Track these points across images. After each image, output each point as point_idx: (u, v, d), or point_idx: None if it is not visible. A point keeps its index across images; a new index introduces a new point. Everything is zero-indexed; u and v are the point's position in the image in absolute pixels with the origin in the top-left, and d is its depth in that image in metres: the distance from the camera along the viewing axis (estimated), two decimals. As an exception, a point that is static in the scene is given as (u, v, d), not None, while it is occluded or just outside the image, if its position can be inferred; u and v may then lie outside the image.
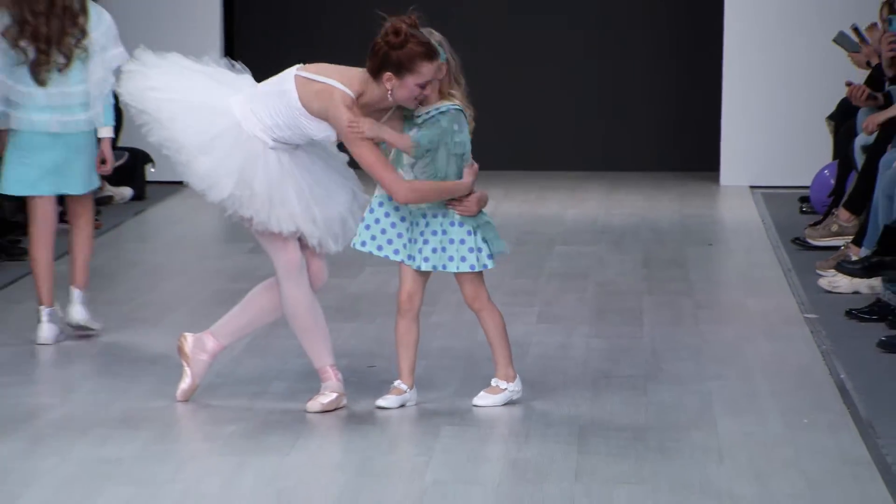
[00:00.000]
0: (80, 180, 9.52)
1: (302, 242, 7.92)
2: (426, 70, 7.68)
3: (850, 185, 12.15)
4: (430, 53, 7.69)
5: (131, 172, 14.20)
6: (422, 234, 7.78)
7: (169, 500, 6.70)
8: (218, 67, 8.02)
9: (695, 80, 16.13)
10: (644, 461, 7.20)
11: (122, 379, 8.64)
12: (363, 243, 7.92)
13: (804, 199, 13.88)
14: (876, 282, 10.37)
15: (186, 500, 6.72)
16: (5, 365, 8.95)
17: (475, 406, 7.89)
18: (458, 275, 7.84)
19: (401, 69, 7.65)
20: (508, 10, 16.92)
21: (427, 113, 7.69)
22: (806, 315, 10.17)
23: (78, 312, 9.54)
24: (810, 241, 12.28)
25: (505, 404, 7.87)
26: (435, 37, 7.73)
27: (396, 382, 7.92)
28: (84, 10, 9.34)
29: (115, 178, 13.98)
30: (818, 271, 11.10)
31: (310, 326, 8.03)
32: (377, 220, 7.91)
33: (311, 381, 8.00)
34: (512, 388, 7.90)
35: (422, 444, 7.53)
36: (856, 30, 12.78)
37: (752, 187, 15.29)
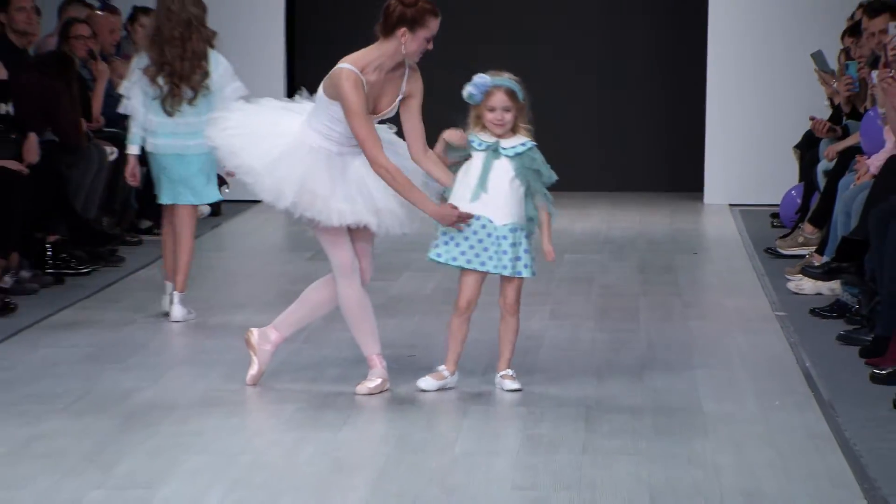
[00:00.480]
0: (197, 193, 9.93)
1: (354, 244, 7.97)
2: (433, 25, 7.80)
3: (813, 204, 12.12)
4: (436, 10, 7.83)
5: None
6: (500, 245, 7.53)
7: (239, 468, 6.73)
8: (301, 100, 8.15)
9: (682, 114, 16.10)
10: (640, 436, 7.23)
11: (201, 366, 8.68)
12: (438, 255, 7.71)
13: (775, 216, 13.85)
14: (835, 284, 10.36)
15: (254, 468, 6.74)
16: (105, 354, 8.96)
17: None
18: (511, 281, 7.69)
19: (413, 24, 7.73)
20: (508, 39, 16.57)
21: (513, 147, 7.49)
22: (776, 313, 10.16)
23: (177, 311, 9.85)
24: (780, 250, 12.27)
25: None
26: (506, 75, 7.60)
27: (440, 368, 7.88)
28: (206, 55, 9.74)
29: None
30: (787, 276, 11.09)
31: (360, 319, 8.02)
32: (452, 237, 7.64)
33: (360, 367, 8.03)
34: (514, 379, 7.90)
35: (452, 422, 7.59)
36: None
37: (731, 205, 15.26)
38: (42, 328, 9.63)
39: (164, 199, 10.07)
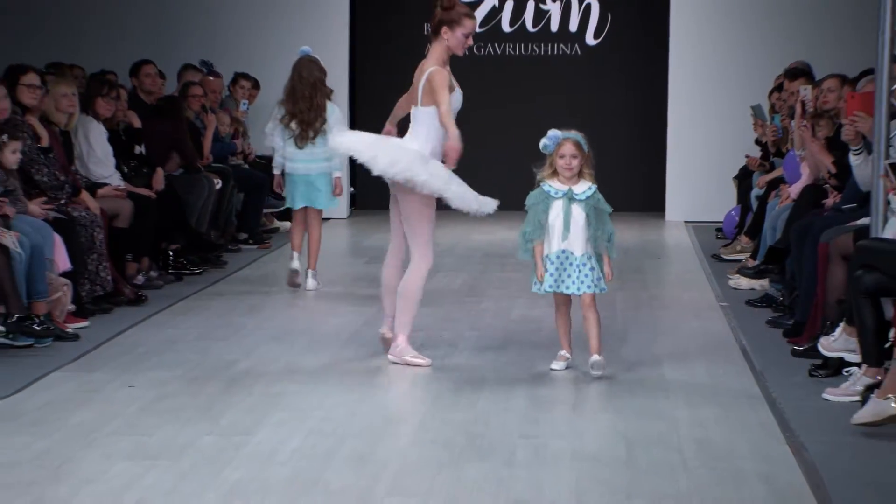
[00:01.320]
0: (322, 200, 10.70)
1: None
2: (469, 24, 7.83)
3: (748, 221, 12.13)
4: (470, 12, 7.94)
5: (287, 212, 14.12)
6: (580, 270, 7.41)
7: (313, 421, 6.75)
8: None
9: (648, 148, 15.89)
10: (616, 396, 7.25)
11: (285, 343, 8.69)
12: (541, 288, 7.53)
13: (719, 230, 13.82)
14: (765, 282, 10.36)
15: (324, 421, 6.76)
16: (213, 334, 8.98)
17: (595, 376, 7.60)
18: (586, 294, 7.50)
19: (452, 23, 7.78)
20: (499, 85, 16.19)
21: (584, 193, 7.34)
22: (720, 304, 10.16)
23: (311, 282, 10.77)
24: (723, 256, 12.25)
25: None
26: (573, 131, 7.44)
27: (561, 352, 7.75)
28: (325, 107, 10.53)
29: (278, 215, 14.02)
30: (728, 276, 11.06)
31: (415, 303, 7.87)
32: (551, 273, 7.44)
33: (419, 347, 8.00)
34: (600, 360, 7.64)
35: (474, 386, 7.53)
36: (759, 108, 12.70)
37: (686, 222, 15.21)
38: (166, 314, 9.65)
39: (298, 204, 10.77)
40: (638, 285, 11.16)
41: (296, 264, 10.74)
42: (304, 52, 10.69)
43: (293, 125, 10.53)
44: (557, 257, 7.33)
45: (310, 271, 10.78)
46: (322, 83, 10.57)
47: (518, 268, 10.48)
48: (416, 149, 7.84)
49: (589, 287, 7.36)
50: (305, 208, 10.76)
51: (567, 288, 7.36)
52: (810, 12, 14.79)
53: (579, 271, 7.33)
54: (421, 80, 7.90)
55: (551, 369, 7.74)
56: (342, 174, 11.11)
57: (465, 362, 8.10)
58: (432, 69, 7.82)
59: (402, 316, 7.94)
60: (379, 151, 7.85)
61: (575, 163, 7.22)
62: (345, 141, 8.19)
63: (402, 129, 8.12)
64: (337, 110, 10.69)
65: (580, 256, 7.32)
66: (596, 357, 7.50)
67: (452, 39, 7.84)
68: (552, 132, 7.38)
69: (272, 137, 10.74)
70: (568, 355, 7.72)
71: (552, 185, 7.35)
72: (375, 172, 7.88)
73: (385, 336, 8.16)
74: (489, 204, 7.84)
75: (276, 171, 10.77)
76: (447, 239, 12.93)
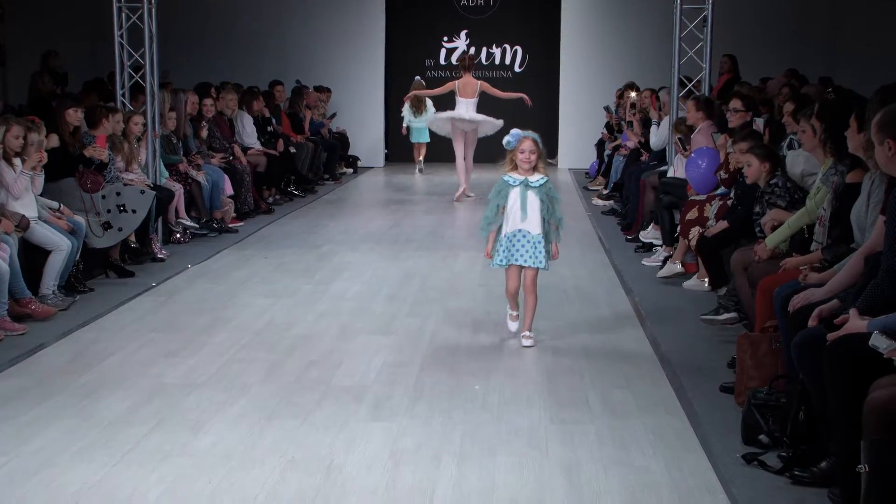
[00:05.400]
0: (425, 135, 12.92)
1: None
2: None
3: (603, 168, 11.76)
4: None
5: (348, 162, 13.95)
6: (536, 247, 5.00)
7: (364, 276, 6.57)
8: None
9: (551, 128, 15.12)
10: (584, 356, 4.65)
11: (351, 234, 8.45)
12: (494, 263, 5.08)
13: (587, 173, 13.35)
14: (611, 202, 10.04)
15: (371, 277, 6.61)
16: (312, 230, 8.65)
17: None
18: (532, 269, 5.03)
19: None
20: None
21: (537, 181, 5.00)
22: (587, 213, 9.69)
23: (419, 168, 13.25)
24: (588, 187, 11.91)
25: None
26: (530, 132, 5.10)
27: (512, 312, 5.23)
28: (425, 101, 12.62)
29: (344, 164, 13.79)
30: (592, 199, 10.72)
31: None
32: (500, 248, 5.04)
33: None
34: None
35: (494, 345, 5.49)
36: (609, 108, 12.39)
37: (569, 168, 14.83)
38: (285, 219, 9.32)
39: (416, 139, 13.13)
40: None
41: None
42: (417, 79, 12.76)
43: (412, 107, 12.90)
44: (514, 235, 5.03)
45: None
46: (423, 87, 12.34)
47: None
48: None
49: (539, 262, 5.01)
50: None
51: (516, 260, 5.02)
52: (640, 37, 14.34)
53: (535, 248, 5.03)
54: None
55: (510, 331, 5.20)
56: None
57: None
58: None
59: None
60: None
61: (533, 157, 5.03)
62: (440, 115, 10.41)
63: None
64: (430, 103, 12.60)
65: (535, 235, 5.03)
66: (527, 333, 5.03)
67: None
68: (514, 131, 5.12)
69: (406, 116, 13.02)
70: (516, 313, 5.19)
71: (511, 176, 5.09)
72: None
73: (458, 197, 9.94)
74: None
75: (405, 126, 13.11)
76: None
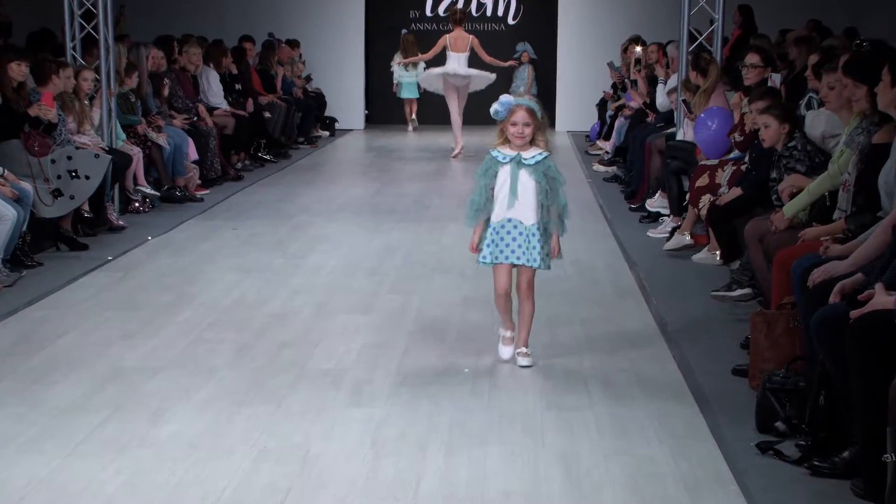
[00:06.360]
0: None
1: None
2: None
3: (605, 130, 11.84)
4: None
5: (324, 124, 13.84)
6: (530, 241, 4.23)
7: (342, 249, 6.60)
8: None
9: (548, 85, 15.34)
10: (581, 349, 4.51)
11: (326, 203, 8.49)
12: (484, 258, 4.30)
13: (587, 136, 13.54)
14: (614, 167, 10.17)
15: (350, 250, 6.60)
16: (285, 198, 8.66)
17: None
18: (528, 270, 4.28)
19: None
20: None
21: (533, 157, 4.20)
22: (588, 180, 9.78)
23: (412, 126, 14.04)
24: (589, 152, 12.04)
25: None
26: (527, 97, 4.35)
27: (506, 333, 4.42)
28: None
29: (319, 126, 13.68)
30: (592, 164, 10.91)
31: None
32: (489, 242, 4.26)
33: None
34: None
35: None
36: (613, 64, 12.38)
37: (568, 131, 14.94)
38: (254, 186, 9.41)
39: (406, 95, 13.91)
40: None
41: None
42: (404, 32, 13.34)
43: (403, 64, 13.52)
44: (503, 226, 4.23)
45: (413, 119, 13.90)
46: (415, 44, 13.10)
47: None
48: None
49: (535, 261, 4.24)
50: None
51: (507, 258, 4.23)
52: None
53: (528, 241, 4.23)
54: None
55: (501, 357, 4.40)
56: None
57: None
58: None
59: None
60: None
61: (528, 131, 4.19)
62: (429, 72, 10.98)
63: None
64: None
65: (530, 226, 4.22)
66: (523, 349, 4.33)
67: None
68: (504, 97, 4.29)
69: (396, 72, 13.74)
70: (510, 334, 4.39)
71: (500, 151, 4.26)
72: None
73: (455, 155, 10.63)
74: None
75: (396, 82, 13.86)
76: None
